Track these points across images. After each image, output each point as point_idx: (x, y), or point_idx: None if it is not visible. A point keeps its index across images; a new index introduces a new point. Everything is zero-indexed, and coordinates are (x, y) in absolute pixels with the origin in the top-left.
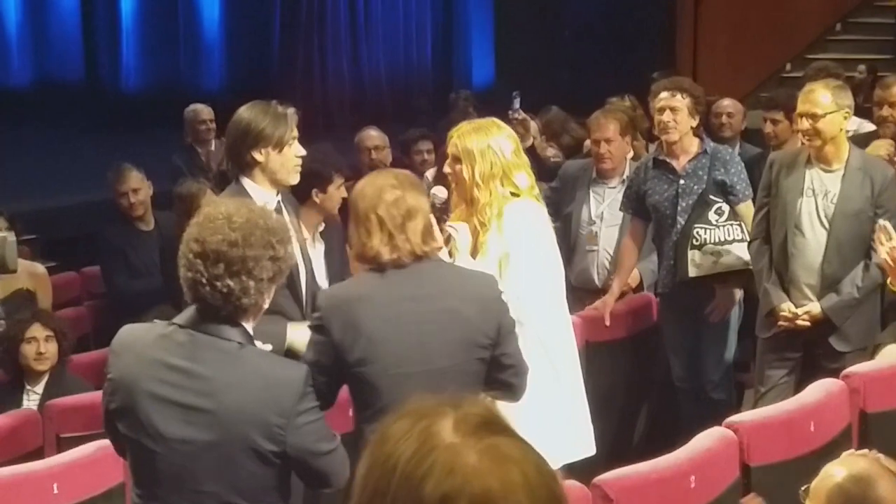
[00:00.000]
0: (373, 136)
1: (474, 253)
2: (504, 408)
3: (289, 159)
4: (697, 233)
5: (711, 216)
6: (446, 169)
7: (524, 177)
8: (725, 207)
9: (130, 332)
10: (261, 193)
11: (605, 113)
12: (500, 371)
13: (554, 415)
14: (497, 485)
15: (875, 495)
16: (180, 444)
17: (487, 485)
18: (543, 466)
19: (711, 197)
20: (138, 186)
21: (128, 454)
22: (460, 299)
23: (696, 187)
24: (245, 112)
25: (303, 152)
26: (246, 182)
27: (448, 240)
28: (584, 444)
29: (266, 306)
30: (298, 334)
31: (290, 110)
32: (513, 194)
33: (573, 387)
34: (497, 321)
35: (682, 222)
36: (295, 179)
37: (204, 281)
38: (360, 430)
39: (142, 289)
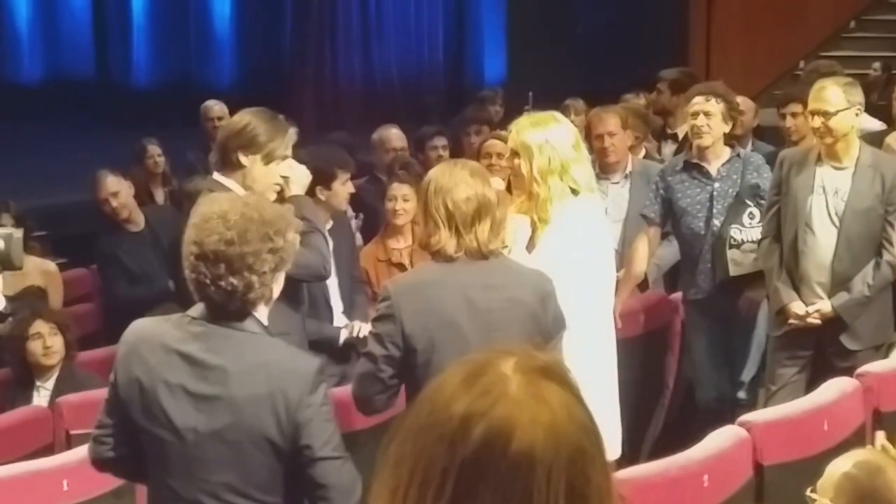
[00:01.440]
0: (397, 135)
1: (530, 247)
2: None
3: (271, 175)
4: (734, 233)
5: (745, 219)
6: (504, 163)
7: (583, 171)
8: (756, 211)
9: (143, 324)
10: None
11: (605, 108)
12: None
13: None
14: (523, 418)
15: (884, 480)
16: (193, 434)
17: (512, 415)
18: (582, 421)
19: (746, 200)
20: (116, 189)
21: (144, 445)
22: (524, 291)
23: (730, 190)
24: (248, 113)
25: (286, 174)
26: (219, 177)
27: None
28: (612, 448)
29: (277, 294)
30: None
31: (292, 129)
32: (572, 190)
33: (610, 392)
34: (553, 316)
35: (718, 225)
36: (270, 198)
37: (208, 281)
38: None
39: (141, 295)
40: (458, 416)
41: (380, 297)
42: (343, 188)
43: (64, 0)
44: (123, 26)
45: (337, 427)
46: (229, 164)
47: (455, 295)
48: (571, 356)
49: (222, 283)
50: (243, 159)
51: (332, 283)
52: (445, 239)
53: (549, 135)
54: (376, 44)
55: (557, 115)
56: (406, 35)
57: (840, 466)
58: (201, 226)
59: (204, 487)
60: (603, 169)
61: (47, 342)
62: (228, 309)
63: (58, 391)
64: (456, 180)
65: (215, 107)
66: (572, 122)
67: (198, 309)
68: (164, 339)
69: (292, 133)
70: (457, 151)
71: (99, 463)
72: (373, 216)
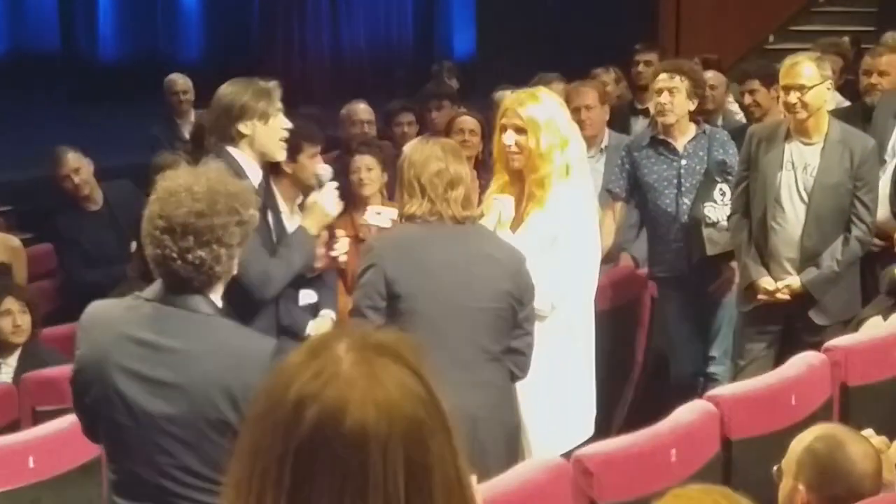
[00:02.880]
0: (364, 109)
1: (515, 225)
2: (529, 391)
3: (275, 131)
4: (708, 211)
5: (716, 195)
6: (507, 140)
7: (578, 147)
8: (726, 187)
9: (98, 308)
10: (249, 165)
11: (585, 81)
12: (518, 337)
13: (572, 400)
14: (354, 396)
15: (843, 453)
16: (149, 418)
17: (343, 394)
18: (418, 395)
19: (715, 177)
20: (78, 166)
21: (100, 430)
22: (502, 255)
23: (698, 167)
24: (227, 87)
25: (288, 125)
26: (234, 151)
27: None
28: (588, 427)
29: (234, 272)
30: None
31: (272, 83)
32: (567, 168)
33: (590, 371)
34: (526, 284)
35: (688, 202)
36: (282, 154)
37: (175, 255)
38: None
39: (97, 279)
40: (291, 401)
41: (363, 249)
42: (310, 162)
43: None
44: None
45: None
46: (232, 140)
47: (436, 249)
48: (557, 340)
49: (189, 257)
50: (244, 129)
51: None
52: (417, 208)
53: (552, 110)
54: (345, 18)
55: (545, 88)
56: (375, 9)
57: (802, 441)
58: (167, 199)
59: (163, 471)
60: None
61: (17, 320)
62: (192, 284)
63: (21, 368)
64: (426, 155)
65: (179, 80)
66: None
67: (152, 290)
68: (117, 324)
69: (275, 86)
70: (423, 127)
71: (92, 436)
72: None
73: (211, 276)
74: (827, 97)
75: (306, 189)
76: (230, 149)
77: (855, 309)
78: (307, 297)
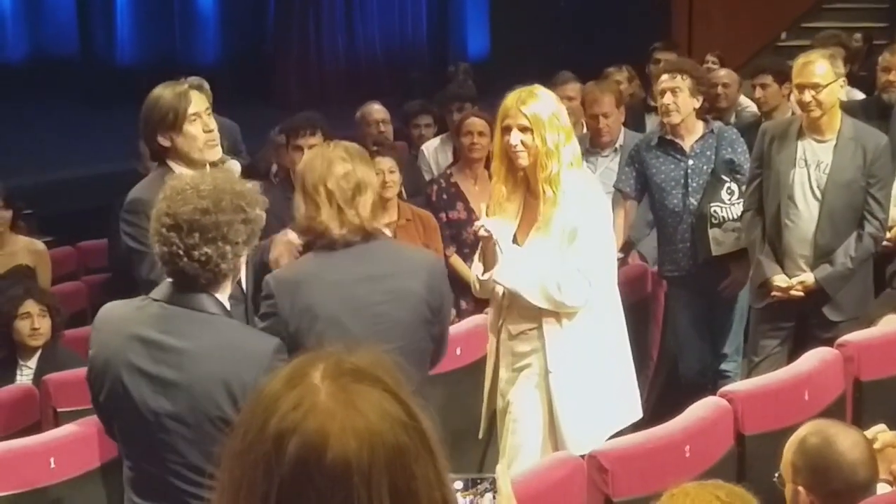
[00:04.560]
0: (379, 110)
1: (528, 227)
2: (566, 385)
3: (193, 138)
4: (715, 211)
5: (724, 195)
6: (513, 139)
7: (576, 142)
8: (735, 186)
9: (109, 309)
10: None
11: (600, 87)
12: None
13: (612, 385)
14: (334, 427)
15: (831, 449)
16: (156, 416)
17: (323, 425)
18: (398, 419)
19: (722, 176)
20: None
21: (115, 429)
22: (410, 276)
23: (705, 167)
24: (150, 95)
25: (212, 126)
26: (171, 163)
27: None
28: (635, 410)
29: (242, 271)
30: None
31: (186, 85)
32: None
33: (627, 356)
34: (440, 294)
35: (695, 202)
36: (212, 156)
37: (181, 252)
38: None
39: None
40: (272, 435)
41: (262, 291)
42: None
43: None
44: (107, 4)
45: None
46: (159, 152)
47: (336, 291)
48: (591, 329)
49: (195, 253)
50: (163, 141)
51: None
52: (328, 218)
53: (553, 107)
54: (360, 20)
55: (541, 86)
56: (389, 11)
57: (792, 445)
58: (173, 197)
59: (172, 469)
60: (593, 143)
61: (35, 323)
62: (199, 282)
63: (41, 370)
64: (330, 159)
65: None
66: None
67: (160, 290)
68: (126, 324)
69: (188, 89)
70: (441, 129)
71: (112, 435)
72: None
73: (217, 273)
74: (840, 94)
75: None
76: (169, 162)
77: (868, 304)
78: None
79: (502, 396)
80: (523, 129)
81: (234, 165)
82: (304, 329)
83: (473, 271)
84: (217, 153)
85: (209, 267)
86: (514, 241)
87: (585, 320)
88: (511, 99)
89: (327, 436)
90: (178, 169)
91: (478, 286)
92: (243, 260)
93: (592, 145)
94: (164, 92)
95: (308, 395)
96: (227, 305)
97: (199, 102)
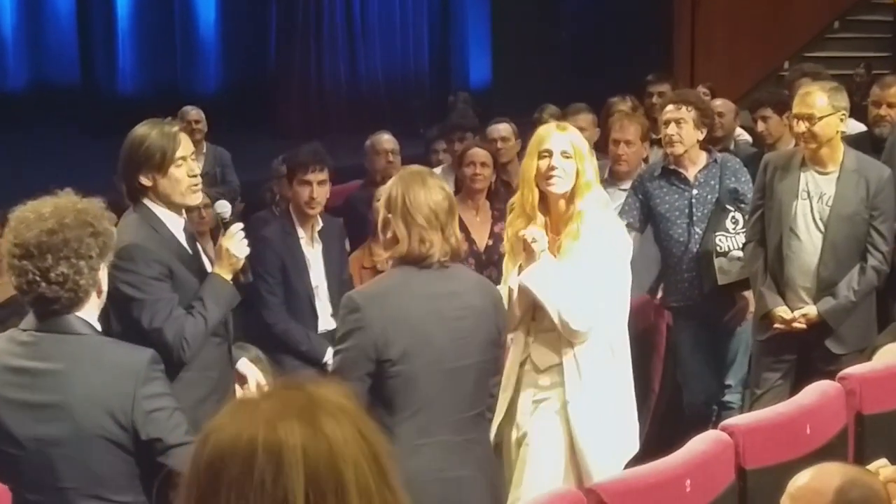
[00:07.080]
0: (389, 139)
1: (561, 258)
2: (581, 413)
3: (178, 181)
4: (719, 241)
5: (728, 224)
6: (555, 162)
7: (600, 187)
8: (739, 216)
9: None
10: (166, 215)
11: (630, 116)
12: (496, 384)
13: (620, 419)
14: (273, 437)
15: (881, 495)
16: (36, 444)
17: (253, 435)
18: (332, 437)
19: (727, 206)
20: None
21: None
22: (482, 295)
23: (709, 196)
24: (132, 134)
25: (196, 171)
26: (149, 203)
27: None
28: (634, 443)
29: (105, 289)
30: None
31: (177, 128)
32: None
33: (630, 390)
34: (504, 314)
35: (700, 232)
36: (193, 200)
37: (38, 277)
38: (395, 434)
39: None
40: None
41: (345, 308)
42: (301, 188)
43: (49, 6)
44: (108, 33)
45: (177, 410)
46: (139, 191)
47: (423, 304)
48: (600, 361)
49: (52, 275)
50: (145, 181)
51: (322, 286)
52: (434, 239)
53: (587, 145)
54: (361, 49)
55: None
56: (391, 40)
57: (819, 492)
58: (18, 227)
59: (57, 495)
60: (613, 175)
61: None
62: (62, 304)
63: None
64: (425, 182)
65: (192, 111)
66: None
67: (27, 320)
68: None
69: (178, 130)
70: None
71: None
72: (363, 224)
73: (77, 291)
74: (840, 128)
75: (325, 216)
76: (147, 202)
77: (871, 337)
78: (326, 323)
79: (518, 428)
80: (565, 156)
81: (223, 207)
82: (391, 339)
83: (510, 283)
84: (198, 198)
85: (68, 286)
86: None
87: (601, 352)
88: (550, 126)
89: (241, 431)
90: (157, 210)
91: (514, 296)
92: (102, 274)
93: (611, 176)
94: (151, 131)
95: (248, 413)
96: (97, 325)
97: (186, 146)
